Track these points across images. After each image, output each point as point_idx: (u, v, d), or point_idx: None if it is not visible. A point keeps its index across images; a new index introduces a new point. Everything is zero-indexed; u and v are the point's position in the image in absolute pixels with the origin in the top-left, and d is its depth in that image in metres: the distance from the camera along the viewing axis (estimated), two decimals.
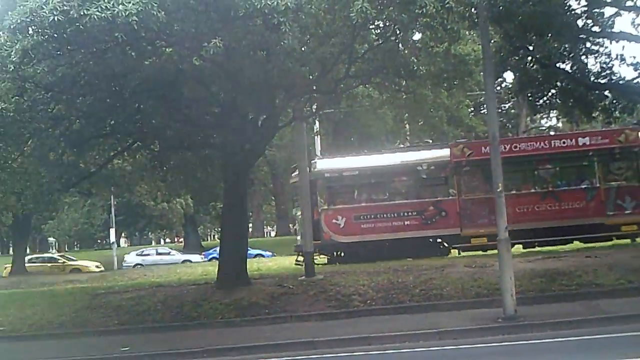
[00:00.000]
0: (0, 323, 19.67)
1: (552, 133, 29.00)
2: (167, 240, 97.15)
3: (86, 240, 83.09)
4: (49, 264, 47.85)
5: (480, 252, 25.13)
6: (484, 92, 29.14)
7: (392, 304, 17.94)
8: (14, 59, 13.62)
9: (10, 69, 13.75)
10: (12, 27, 13.36)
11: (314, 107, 22.03)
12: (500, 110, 54.94)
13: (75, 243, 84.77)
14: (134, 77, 15.72)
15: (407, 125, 28.15)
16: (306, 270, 21.39)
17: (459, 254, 26.60)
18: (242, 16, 14.23)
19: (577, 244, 25.52)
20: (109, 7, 12.58)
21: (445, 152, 26.90)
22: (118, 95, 16.90)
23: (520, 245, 25.23)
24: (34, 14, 12.90)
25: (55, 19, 12.66)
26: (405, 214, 26.52)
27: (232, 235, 20.97)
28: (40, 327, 19.19)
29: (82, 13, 12.59)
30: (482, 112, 55.28)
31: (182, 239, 78.24)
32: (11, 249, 68.49)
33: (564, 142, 26.59)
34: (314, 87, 19.98)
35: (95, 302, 20.89)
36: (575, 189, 26.35)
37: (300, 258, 26.13)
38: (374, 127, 42.61)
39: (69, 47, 14.33)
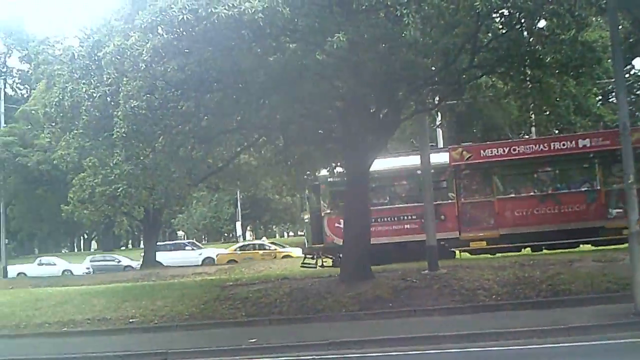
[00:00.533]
0: (132, 315, 20.42)
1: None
2: (291, 233, 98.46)
3: (213, 234, 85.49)
4: (260, 251, 47.50)
5: (612, 246, 24.03)
6: (612, 80, 27.99)
7: (518, 299, 17.53)
8: (145, 58, 14.07)
9: (142, 68, 14.20)
10: (142, 26, 13.83)
11: (437, 99, 21.71)
12: (630, 99, 52.59)
13: (203, 236, 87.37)
14: (259, 73, 15.94)
15: (532, 116, 27.41)
16: (430, 264, 21.16)
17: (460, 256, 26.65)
18: (365, 9, 14.21)
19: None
20: (235, 4, 12.84)
21: (444, 156, 26.93)
22: (244, 92, 17.18)
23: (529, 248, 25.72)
24: (164, 13, 13.31)
25: (184, 17, 13.03)
26: (405, 217, 27.13)
27: (354, 229, 20.99)
28: (170, 319, 19.78)
29: (209, 11, 12.90)
30: (610, 100, 53.08)
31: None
32: (142, 242, 71.35)
33: (563, 145, 26.24)
34: (437, 79, 19.70)
35: (223, 294, 21.37)
36: (575, 191, 26.15)
37: (308, 261, 28.35)
38: (497, 117, 41.78)
39: (197, 45, 14.65)
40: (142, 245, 66.95)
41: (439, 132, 36.37)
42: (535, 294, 17.73)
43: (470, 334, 14.79)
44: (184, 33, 13.87)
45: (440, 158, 26.41)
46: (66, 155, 19.37)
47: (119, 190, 20.23)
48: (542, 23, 18.91)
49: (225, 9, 12.77)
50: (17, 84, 76.37)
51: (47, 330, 20.14)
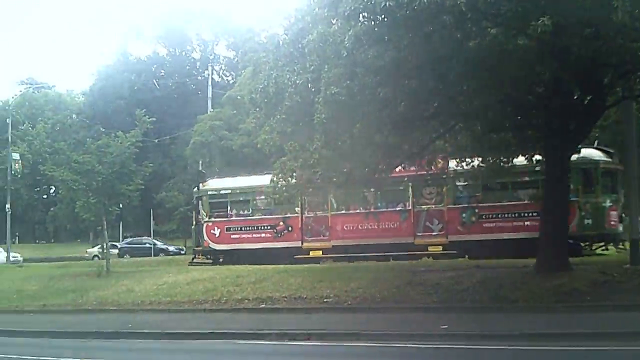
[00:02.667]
0: (326, 295, 21.02)
1: None
2: None
3: None
4: None
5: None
6: None
7: None
8: (347, 45, 14.39)
9: (344, 55, 14.54)
10: (346, 14, 14.14)
11: None
12: None
13: None
14: (458, 59, 15.78)
15: None
16: (631, 258, 20.16)
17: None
18: None
19: None
20: None
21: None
22: (442, 78, 17.07)
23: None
24: (367, 0, 13.52)
25: (387, 4, 13.16)
26: (262, 227, 32.16)
27: (552, 220, 20.35)
28: (363, 300, 20.18)
29: None
30: None
31: None
32: None
33: None
34: None
35: (415, 280, 21.45)
36: (391, 210, 29.76)
37: (196, 260, 33.74)
38: None
39: (397, 32, 14.74)
40: None
41: None
42: None
43: None
44: (385, 20, 14.01)
45: None
46: (269, 139, 20.18)
47: (318, 174, 20.84)
48: None
49: None
50: (223, 70, 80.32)
51: (246, 306, 21.22)
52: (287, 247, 30.83)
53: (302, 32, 16.63)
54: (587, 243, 27.09)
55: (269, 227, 31.84)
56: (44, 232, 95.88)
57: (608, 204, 26.79)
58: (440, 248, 28.43)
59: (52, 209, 79.90)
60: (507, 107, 19.64)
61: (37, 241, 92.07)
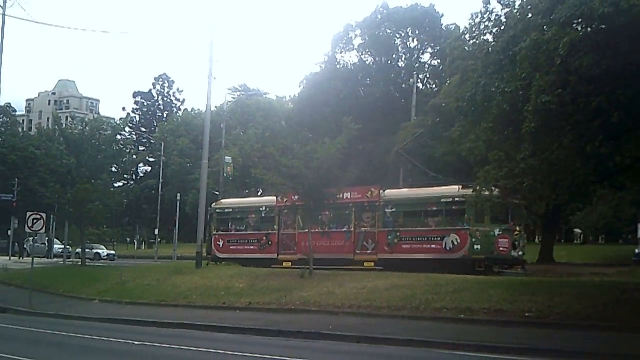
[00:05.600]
0: (527, 308, 20.36)
1: None
2: None
3: (611, 234, 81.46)
4: None
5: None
6: None
7: None
8: (560, 52, 14.01)
9: (557, 62, 14.16)
10: (560, 20, 13.77)
11: None
12: None
13: (601, 236, 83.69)
14: None
15: None
16: None
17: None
18: None
19: None
20: None
21: (273, 199, 36.95)
22: None
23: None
24: (584, 6, 13.11)
25: (604, 10, 12.69)
26: (251, 241, 38.42)
27: None
28: (566, 317, 19.37)
29: (631, 4, 12.40)
30: None
31: None
32: (537, 237, 70.59)
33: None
34: None
35: (623, 298, 20.36)
36: (339, 231, 34.94)
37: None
38: None
39: (614, 39, 14.15)
40: (537, 241, 66.31)
41: None
42: None
43: None
44: (603, 26, 13.49)
45: (270, 200, 38.31)
46: (474, 148, 20.03)
47: (523, 185, 20.34)
48: None
49: None
50: (427, 78, 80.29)
51: (445, 315, 21.03)
52: (268, 258, 36.24)
53: (513, 40, 16.37)
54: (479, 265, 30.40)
55: (255, 241, 37.88)
56: None
57: (497, 232, 30.92)
58: (372, 264, 32.84)
59: None
60: None
61: None
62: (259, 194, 61.00)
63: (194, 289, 29.07)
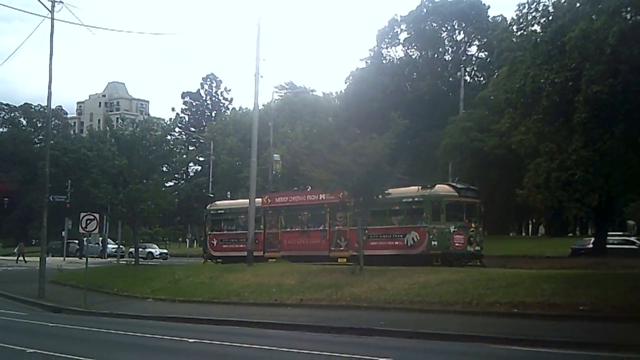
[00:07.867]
0: (582, 302, 20.10)
1: None
2: None
3: None
4: None
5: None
6: None
7: None
8: (610, 41, 13.78)
9: (607, 52, 13.94)
10: (610, 9, 13.56)
11: None
12: None
13: None
14: None
15: None
16: None
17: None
18: None
19: None
20: None
21: (259, 200, 39.45)
22: None
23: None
24: None
25: None
26: (240, 240, 40.28)
27: None
28: (623, 310, 19.05)
29: None
30: None
31: None
32: (589, 230, 69.43)
33: (312, 197, 38.87)
34: None
35: None
36: (315, 229, 38.26)
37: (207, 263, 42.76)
38: None
39: None
40: (589, 233, 65.28)
41: None
42: None
43: None
44: None
45: (257, 201, 39.13)
46: (524, 140, 19.83)
47: (575, 177, 20.05)
48: None
49: None
50: (475, 71, 79.61)
51: (498, 310, 20.81)
52: (256, 256, 36.97)
53: (561, 30, 16.15)
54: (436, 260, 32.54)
55: (245, 240, 38.50)
56: None
57: (452, 229, 32.90)
58: (345, 260, 35.13)
59: None
60: None
61: None
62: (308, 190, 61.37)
63: (245, 287, 29.25)
